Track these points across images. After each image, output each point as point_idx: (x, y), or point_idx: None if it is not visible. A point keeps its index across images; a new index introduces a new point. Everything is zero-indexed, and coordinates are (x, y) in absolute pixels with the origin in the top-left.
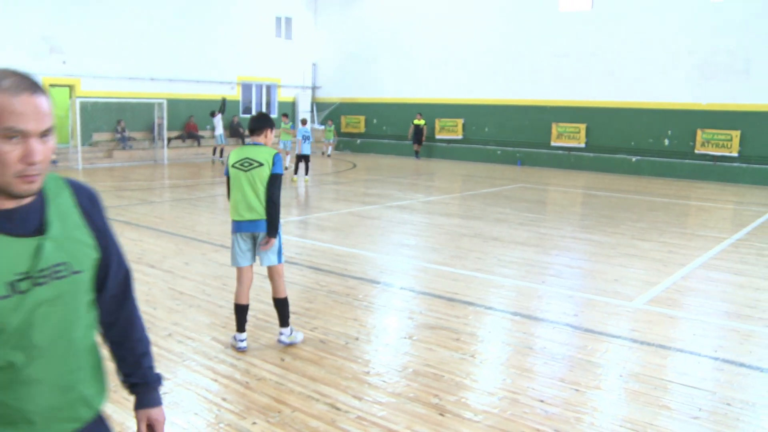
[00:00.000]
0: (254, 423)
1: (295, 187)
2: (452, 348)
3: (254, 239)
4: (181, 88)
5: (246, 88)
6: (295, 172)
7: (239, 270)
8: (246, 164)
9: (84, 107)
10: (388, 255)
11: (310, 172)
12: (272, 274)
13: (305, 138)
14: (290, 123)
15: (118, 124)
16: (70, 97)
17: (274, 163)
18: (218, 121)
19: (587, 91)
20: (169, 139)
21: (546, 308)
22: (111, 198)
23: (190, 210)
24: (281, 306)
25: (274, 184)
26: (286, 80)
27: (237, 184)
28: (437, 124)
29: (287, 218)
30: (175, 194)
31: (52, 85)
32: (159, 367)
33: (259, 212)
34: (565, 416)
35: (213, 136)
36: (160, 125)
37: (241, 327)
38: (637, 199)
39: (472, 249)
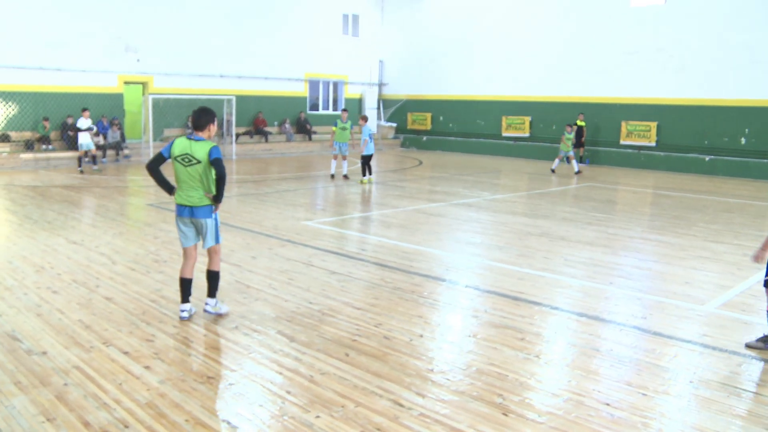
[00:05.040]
0: (318, 416)
1: (365, 187)
2: (517, 348)
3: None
4: (249, 85)
5: (313, 84)
6: (363, 173)
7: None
8: (186, 160)
9: (156, 104)
10: (454, 252)
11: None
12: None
13: (371, 137)
14: (350, 122)
15: (188, 120)
16: (143, 94)
17: (210, 155)
18: (83, 122)
19: (658, 89)
20: (238, 135)
21: (613, 310)
22: None
23: (258, 205)
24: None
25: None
26: (353, 77)
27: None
28: (504, 121)
29: (353, 215)
30: (243, 189)
31: (126, 83)
32: (225, 359)
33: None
34: (632, 421)
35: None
36: (229, 121)
37: (185, 299)
38: (710, 199)
39: (539, 248)
